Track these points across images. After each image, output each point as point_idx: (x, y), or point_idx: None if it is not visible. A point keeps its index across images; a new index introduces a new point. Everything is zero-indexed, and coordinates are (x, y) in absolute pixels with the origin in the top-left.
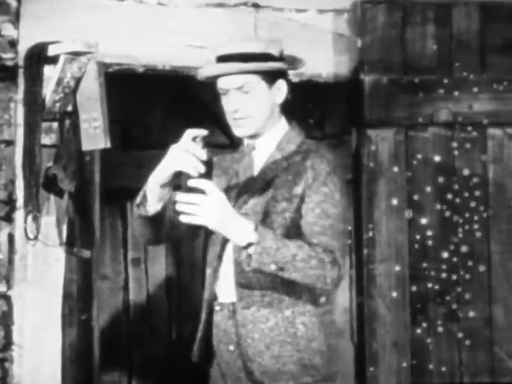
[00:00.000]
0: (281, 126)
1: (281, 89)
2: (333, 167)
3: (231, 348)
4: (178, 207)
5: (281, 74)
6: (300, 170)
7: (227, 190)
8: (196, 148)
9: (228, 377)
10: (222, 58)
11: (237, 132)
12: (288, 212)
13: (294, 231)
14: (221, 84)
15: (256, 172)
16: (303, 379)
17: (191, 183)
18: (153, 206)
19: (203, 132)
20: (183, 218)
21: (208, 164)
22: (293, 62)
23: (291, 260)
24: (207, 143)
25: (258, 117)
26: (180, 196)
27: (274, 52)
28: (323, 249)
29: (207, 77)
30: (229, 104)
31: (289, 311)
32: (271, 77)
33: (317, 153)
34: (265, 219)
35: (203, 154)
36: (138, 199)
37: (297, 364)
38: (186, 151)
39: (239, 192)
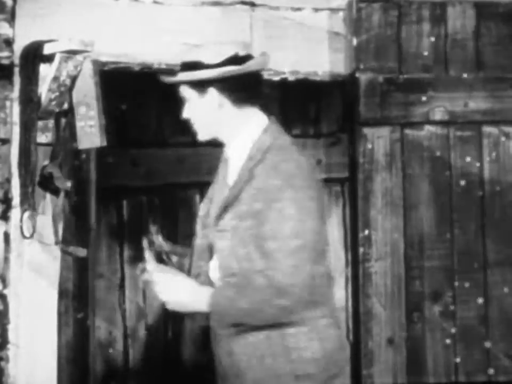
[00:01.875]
0: (254, 127)
1: (214, 97)
2: (287, 178)
3: (235, 374)
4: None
5: (211, 82)
6: (260, 184)
7: (210, 203)
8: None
9: (224, 381)
10: None
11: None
12: (253, 229)
13: (259, 249)
14: None
15: (230, 182)
16: None
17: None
18: None
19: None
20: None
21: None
22: (250, 64)
23: (244, 314)
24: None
25: (200, 124)
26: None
27: (212, 58)
28: (264, 275)
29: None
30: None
31: (278, 323)
32: (199, 86)
33: (277, 163)
34: (236, 235)
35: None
36: None
37: (290, 375)
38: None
39: (216, 206)
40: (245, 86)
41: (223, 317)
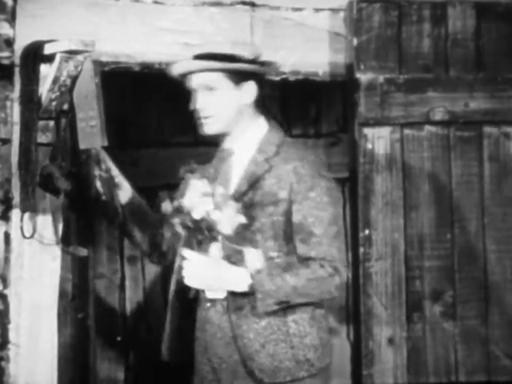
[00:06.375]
0: (259, 126)
1: (249, 90)
2: (317, 169)
3: (227, 342)
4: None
5: (251, 75)
6: (282, 173)
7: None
8: None
9: (222, 372)
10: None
11: (202, 130)
12: (275, 216)
13: (281, 233)
14: (190, 83)
15: (235, 176)
16: (299, 374)
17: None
18: None
19: None
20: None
21: None
22: (267, 65)
23: (293, 292)
24: None
25: (221, 116)
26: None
27: (245, 54)
28: (320, 264)
29: (176, 74)
30: (194, 103)
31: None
32: (237, 77)
33: (298, 156)
34: (253, 222)
35: None
36: None
37: (292, 360)
38: None
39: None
40: (264, 88)
41: (267, 297)
